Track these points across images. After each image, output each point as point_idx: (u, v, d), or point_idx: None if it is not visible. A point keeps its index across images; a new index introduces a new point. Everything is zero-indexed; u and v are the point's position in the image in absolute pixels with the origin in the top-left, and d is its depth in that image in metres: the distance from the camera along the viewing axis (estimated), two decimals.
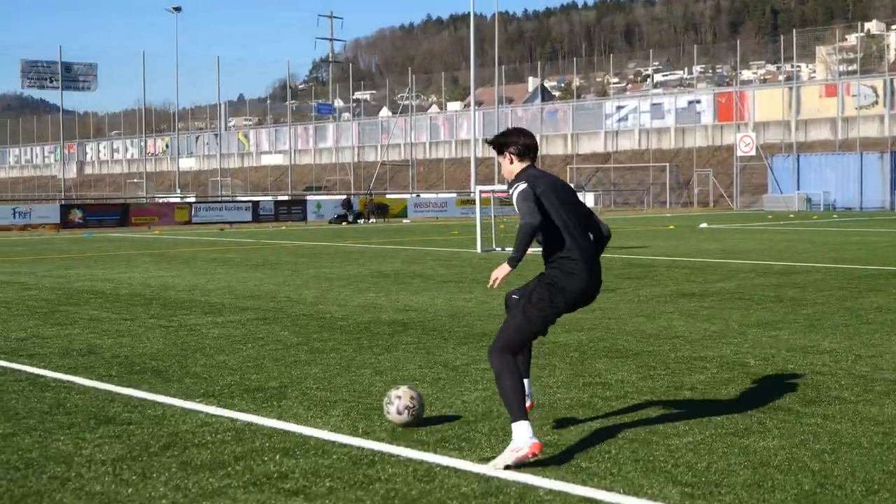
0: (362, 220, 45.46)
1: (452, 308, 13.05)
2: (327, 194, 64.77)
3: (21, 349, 10.00)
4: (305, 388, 7.87)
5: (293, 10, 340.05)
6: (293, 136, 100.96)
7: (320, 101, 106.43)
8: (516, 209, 6.12)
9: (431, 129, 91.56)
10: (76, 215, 39.26)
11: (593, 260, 6.22)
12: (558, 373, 8.46)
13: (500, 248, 24.96)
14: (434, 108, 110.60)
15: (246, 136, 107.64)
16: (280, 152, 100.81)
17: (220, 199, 55.39)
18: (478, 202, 25.59)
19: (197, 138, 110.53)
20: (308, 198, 51.81)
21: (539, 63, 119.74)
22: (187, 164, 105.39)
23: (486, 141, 6.70)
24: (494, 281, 6.14)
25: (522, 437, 5.64)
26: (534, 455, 5.59)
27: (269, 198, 54.95)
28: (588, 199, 65.89)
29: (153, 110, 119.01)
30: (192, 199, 51.89)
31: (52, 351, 9.86)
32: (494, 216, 26.88)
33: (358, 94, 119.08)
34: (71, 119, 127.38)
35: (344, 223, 44.26)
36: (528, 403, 6.16)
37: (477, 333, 10.77)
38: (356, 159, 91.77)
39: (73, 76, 48.06)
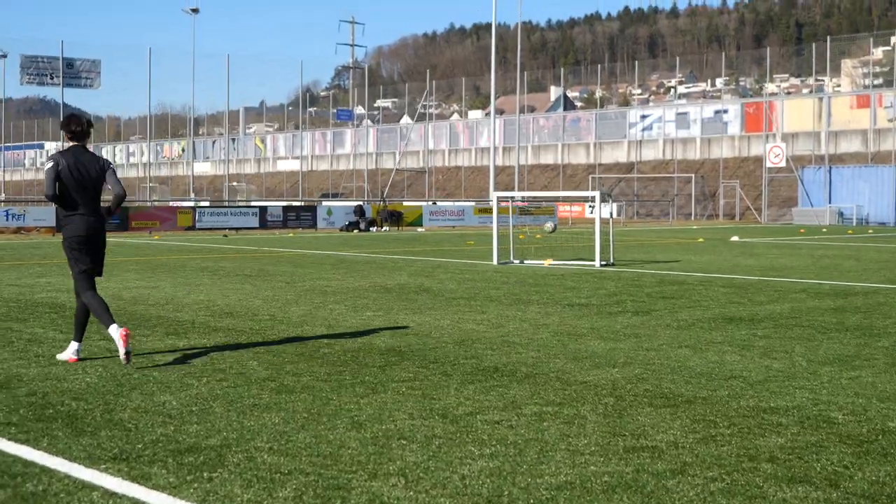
0: (375, 228, 43.45)
1: (460, 333, 11.07)
2: (342, 200, 62.83)
3: None
4: (253, 449, 5.91)
5: (315, 12, 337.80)
6: (311, 141, 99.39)
7: (341, 107, 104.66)
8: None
9: (451, 136, 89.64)
10: None
11: (88, 215, 8.82)
12: (590, 429, 6.46)
13: (518, 261, 22.97)
14: (456, 117, 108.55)
15: (263, 141, 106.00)
16: (296, 157, 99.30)
17: (225, 203, 53.50)
18: (495, 210, 23.61)
19: (213, 143, 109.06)
20: (319, 204, 49.81)
21: (562, 70, 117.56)
22: (202, 168, 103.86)
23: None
24: None
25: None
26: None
27: (278, 203, 53.04)
28: (610, 209, 63.72)
29: (168, 115, 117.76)
30: (191, 204, 49.84)
31: None
32: (514, 226, 24.90)
33: (380, 102, 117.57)
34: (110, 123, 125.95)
35: (355, 231, 42.25)
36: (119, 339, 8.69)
37: (487, 367, 8.80)
38: (374, 166, 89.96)
39: (75, 72, 46.14)
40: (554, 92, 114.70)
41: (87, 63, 46.68)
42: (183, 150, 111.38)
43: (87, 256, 8.89)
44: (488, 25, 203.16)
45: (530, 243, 27.79)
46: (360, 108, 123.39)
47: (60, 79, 45.65)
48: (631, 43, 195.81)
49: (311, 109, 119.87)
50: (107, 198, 9.31)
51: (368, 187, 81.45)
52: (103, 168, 8.93)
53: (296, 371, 8.56)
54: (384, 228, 44.01)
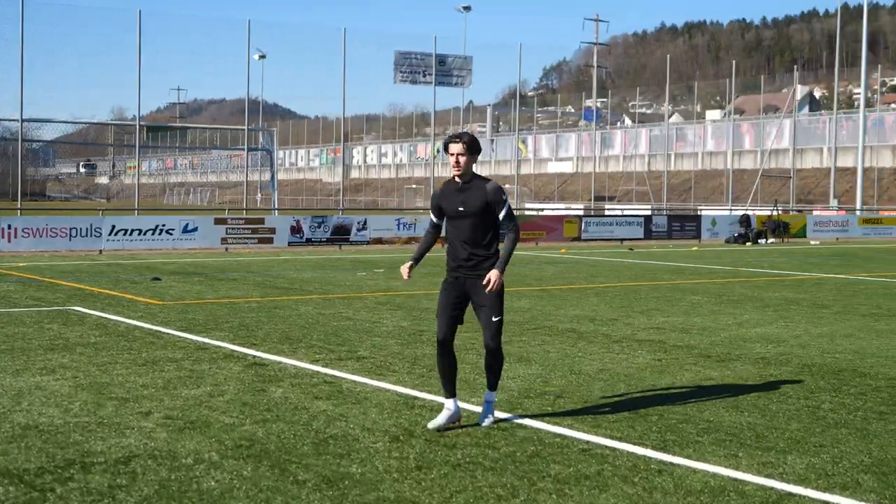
0: (763, 241, 41.17)
1: None
2: (718, 209, 60.45)
3: None
4: None
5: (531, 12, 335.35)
6: (576, 142, 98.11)
7: (587, 108, 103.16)
8: (500, 200, 7.71)
9: (735, 137, 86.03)
10: None
11: None
12: None
13: None
14: (675, 118, 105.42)
15: (524, 142, 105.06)
16: (563, 160, 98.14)
17: (605, 212, 52.62)
18: None
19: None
20: (702, 213, 48.24)
21: (796, 69, 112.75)
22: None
23: (449, 141, 7.75)
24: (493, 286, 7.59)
25: None
26: None
27: (667, 212, 51.75)
28: None
29: (416, 114, 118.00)
30: (581, 213, 48.85)
31: None
32: None
33: (589, 102, 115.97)
34: (328, 123, 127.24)
35: (747, 244, 40.28)
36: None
37: None
38: (646, 168, 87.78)
39: (446, 70, 44.77)
40: (800, 91, 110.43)
41: (459, 60, 45.26)
42: (437, 151, 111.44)
43: None
44: (700, 24, 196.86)
45: None
46: (570, 108, 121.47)
47: (433, 77, 44.17)
48: (850, 41, 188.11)
49: (521, 108, 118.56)
50: None
51: (651, 191, 79.50)
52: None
53: None
54: (770, 241, 41.67)
